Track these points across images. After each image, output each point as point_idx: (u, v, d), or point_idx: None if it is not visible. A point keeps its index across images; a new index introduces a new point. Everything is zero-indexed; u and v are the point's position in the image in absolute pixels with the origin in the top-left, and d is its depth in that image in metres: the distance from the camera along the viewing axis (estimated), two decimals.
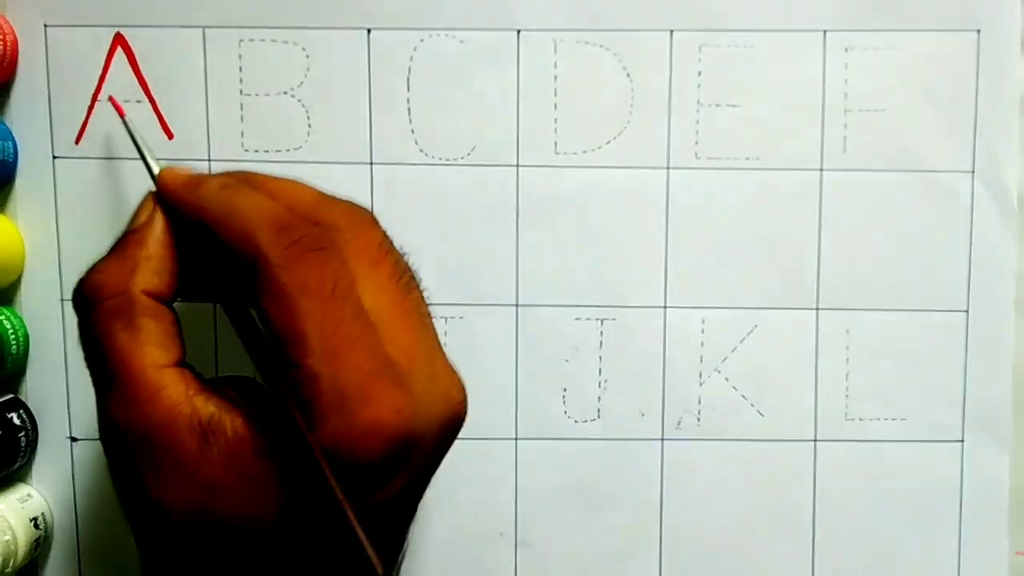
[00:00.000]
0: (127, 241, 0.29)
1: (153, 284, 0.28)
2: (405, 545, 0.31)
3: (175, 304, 0.31)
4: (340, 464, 0.25)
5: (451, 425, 0.28)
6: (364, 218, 0.29)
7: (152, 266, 0.28)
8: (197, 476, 0.26)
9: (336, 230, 0.28)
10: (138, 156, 0.33)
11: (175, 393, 0.27)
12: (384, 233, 0.29)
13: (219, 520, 0.26)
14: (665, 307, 0.39)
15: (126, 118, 0.34)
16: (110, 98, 0.37)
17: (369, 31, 0.38)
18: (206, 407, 0.27)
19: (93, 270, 0.28)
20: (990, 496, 0.40)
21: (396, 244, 0.30)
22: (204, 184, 0.29)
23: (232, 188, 0.29)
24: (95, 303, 0.28)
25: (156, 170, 0.31)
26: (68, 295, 0.38)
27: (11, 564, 0.36)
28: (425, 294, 0.31)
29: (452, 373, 0.29)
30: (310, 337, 0.25)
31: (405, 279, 0.29)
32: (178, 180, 0.30)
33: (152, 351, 0.27)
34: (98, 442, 0.38)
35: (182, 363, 0.28)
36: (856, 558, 0.40)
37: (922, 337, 0.39)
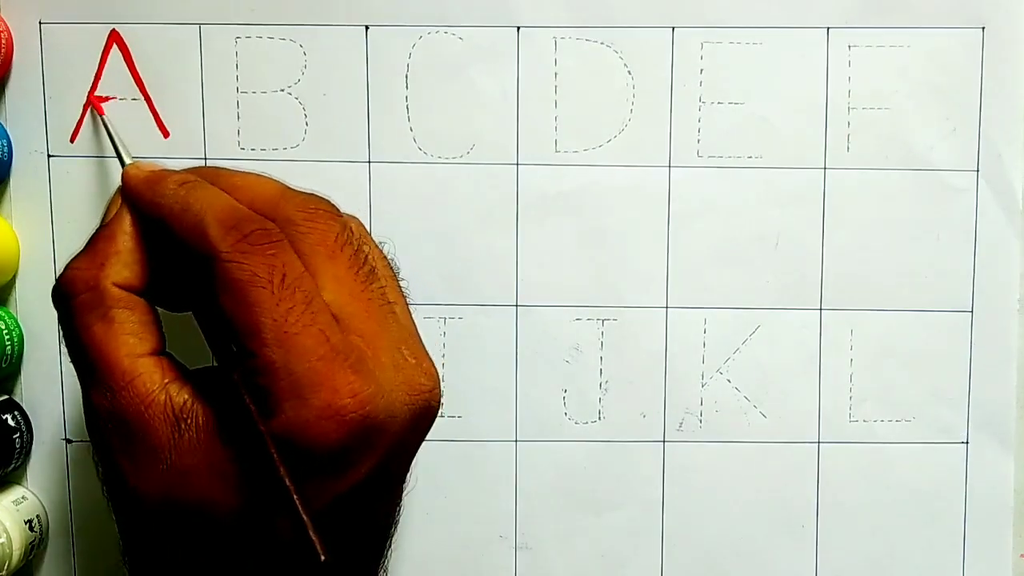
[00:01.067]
0: (98, 237, 0.30)
1: (123, 277, 0.29)
2: (388, 550, 0.31)
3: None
4: (296, 450, 0.26)
5: (419, 413, 0.29)
6: (322, 211, 0.29)
7: (122, 259, 0.29)
8: (168, 462, 0.27)
9: (292, 225, 0.29)
10: (113, 153, 0.35)
11: (149, 381, 0.27)
12: (344, 224, 0.30)
13: (187, 505, 0.27)
14: (667, 307, 0.39)
15: (104, 116, 0.37)
16: (91, 97, 0.37)
17: (367, 28, 0.38)
18: (179, 395, 0.27)
19: (67, 266, 0.29)
20: (995, 498, 0.39)
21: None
22: (163, 181, 0.30)
23: (189, 185, 0.29)
24: (69, 297, 0.29)
25: (126, 163, 0.32)
26: None
27: (6, 567, 0.36)
28: (403, 284, 0.31)
29: (422, 362, 0.29)
30: (262, 327, 0.26)
31: (365, 269, 0.29)
32: (139, 176, 0.31)
33: (127, 340, 0.28)
34: None
35: (161, 352, 0.29)
36: (859, 560, 0.40)
37: (926, 337, 0.39)
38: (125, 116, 0.38)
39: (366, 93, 0.38)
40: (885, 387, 0.39)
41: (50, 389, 0.38)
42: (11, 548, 0.36)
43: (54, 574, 0.39)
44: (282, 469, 0.25)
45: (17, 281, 0.38)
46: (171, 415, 0.27)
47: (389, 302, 0.29)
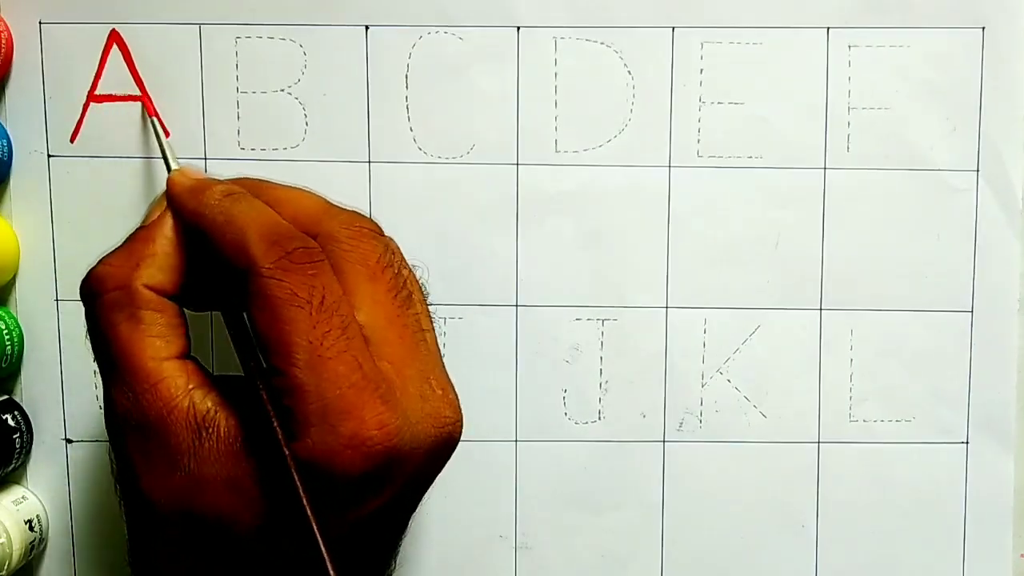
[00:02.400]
0: (136, 236, 0.30)
1: (156, 279, 0.29)
2: (395, 560, 0.31)
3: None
4: (319, 476, 0.26)
5: (441, 446, 0.28)
6: (366, 231, 0.29)
7: (157, 262, 0.29)
8: (186, 470, 0.27)
9: (335, 242, 0.28)
10: (160, 155, 0.35)
11: (173, 386, 0.27)
12: (387, 245, 0.29)
13: (200, 515, 0.27)
14: (667, 307, 0.39)
15: (154, 119, 0.37)
16: (142, 98, 0.37)
17: (367, 28, 0.38)
18: (203, 402, 0.27)
19: (100, 262, 0.29)
20: (995, 498, 0.39)
21: (407, 258, 0.30)
22: (208, 190, 0.29)
23: (234, 197, 0.29)
24: (98, 294, 0.28)
25: (172, 169, 0.32)
26: (63, 295, 0.38)
27: (6, 567, 0.36)
28: (430, 308, 0.31)
29: (448, 393, 0.29)
30: (295, 347, 0.26)
31: (403, 294, 0.29)
32: (184, 184, 0.30)
33: (154, 343, 0.28)
34: (93, 444, 0.39)
35: (187, 356, 0.29)
36: (859, 561, 0.40)
37: (926, 338, 0.39)
38: (125, 116, 0.38)
39: (366, 93, 0.38)
40: (885, 387, 0.39)
41: (50, 389, 0.38)
42: (11, 548, 0.36)
43: (54, 574, 0.39)
44: (304, 497, 0.25)
45: (17, 281, 0.38)
46: (193, 422, 0.27)
47: (422, 329, 0.29)
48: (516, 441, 0.39)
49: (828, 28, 0.38)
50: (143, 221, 0.31)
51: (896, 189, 0.39)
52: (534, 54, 0.38)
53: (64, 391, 0.38)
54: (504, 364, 0.39)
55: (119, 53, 0.38)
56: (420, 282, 0.31)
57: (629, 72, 0.38)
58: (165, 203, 0.30)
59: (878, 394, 0.39)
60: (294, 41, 0.38)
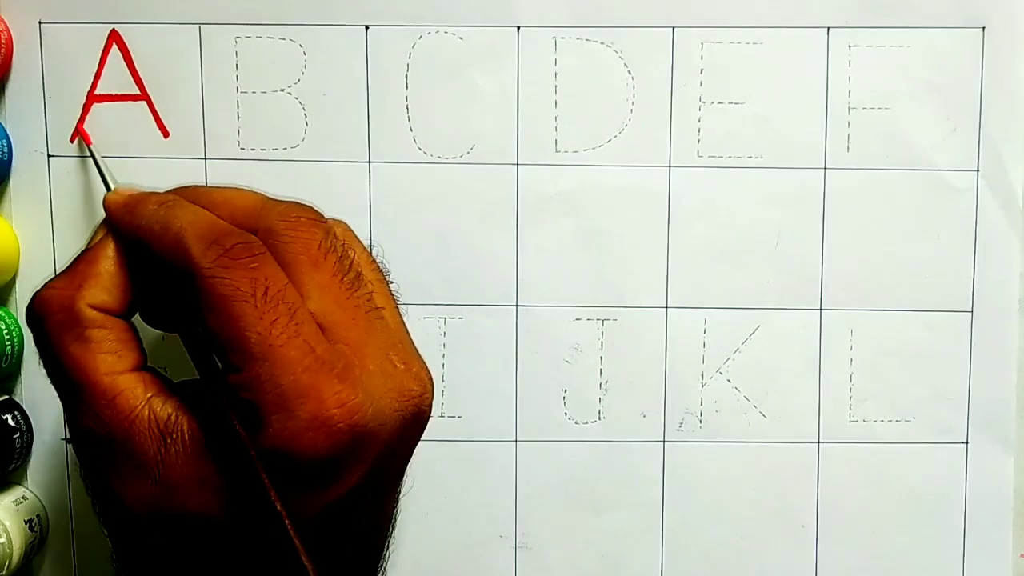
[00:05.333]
0: (79, 259, 0.30)
1: (100, 299, 0.29)
2: (387, 551, 0.31)
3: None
4: (286, 461, 0.26)
5: (410, 419, 0.28)
6: (304, 219, 0.29)
7: (101, 282, 0.29)
8: (156, 477, 0.27)
9: (274, 235, 0.29)
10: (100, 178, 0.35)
11: (132, 397, 0.27)
12: (328, 230, 0.30)
13: (177, 518, 0.27)
14: (667, 307, 0.39)
15: (92, 146, 0.37)
16: (79, 128, 0.37)
17: (367, 28, 0.38)
18: (163, 409, 0.27)
19: (43, 286, 0.29)
20: (994, 498, 0.39)
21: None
22: (143, 203, 0.30)
23: (168, 204, 0.29)
24: (43, 317, 0.28)
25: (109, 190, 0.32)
26: None
27: (6, 566, 0.36)
28: (394, 286, 0.31)
29: (411, 367, 0.29)
30: (247, 341, 0.26)
31: (351, 275, 0.29)
32: (119, 201, 0.30)
33: (106, 359, 0.28)
34: None
35: (142, 367, 0.29)
36: (859, 560, 0.40)
37: (926, 338, 0.39)
38: (125, 116, 0.38)
39: (366, 93, 0.38)
40: (885, 387, 0.39)
41: (50, 389, 0.37)
42: (11, 548, 0.36)
43: (54, 574, 0.39)
44: (269, 486, 0.26)
45: (17, 281, 0.38)
46: (156, 430, 0.27)
47: (376, 307, 0.29)
48: (516, 441, 0.39)
49: (828, 28, 0.38)
50: (87, 244, 0.31)
51: (896, 189, 0.39)
52: (534, 54, 0.38)
53: None
54: (504, 364, 0.39)
55: (119, 53, 0.38)
56: (378, 261, 0.31)
57: (629, 72, 0.38)
58: (104, 227, 0.31)
59: (878, 394, 0.39)
60: (294, 41, 0.38)
